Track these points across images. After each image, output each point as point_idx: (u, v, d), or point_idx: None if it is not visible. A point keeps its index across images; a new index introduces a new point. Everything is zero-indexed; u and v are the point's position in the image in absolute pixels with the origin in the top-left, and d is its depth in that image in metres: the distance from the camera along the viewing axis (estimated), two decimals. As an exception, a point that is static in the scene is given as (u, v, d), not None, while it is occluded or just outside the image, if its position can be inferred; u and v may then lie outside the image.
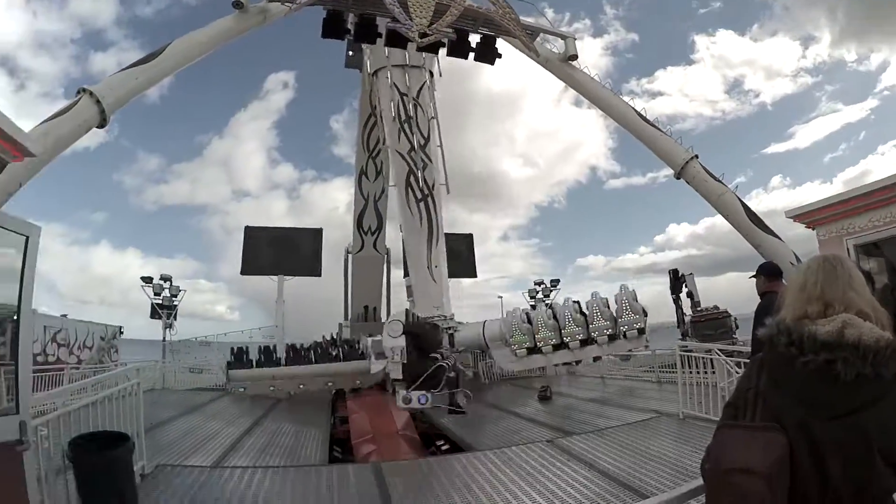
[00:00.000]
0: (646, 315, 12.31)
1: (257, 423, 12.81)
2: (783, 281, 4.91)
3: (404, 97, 16.21)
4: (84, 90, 11.33)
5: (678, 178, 15.73)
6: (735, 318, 18.06)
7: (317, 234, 29.19)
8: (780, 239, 13.95)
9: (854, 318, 1.65)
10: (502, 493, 6.22)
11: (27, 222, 4.18)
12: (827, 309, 1.72)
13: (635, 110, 16.78)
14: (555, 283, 32.12)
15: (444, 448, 13.08)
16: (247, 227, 28.82)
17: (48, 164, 10.52)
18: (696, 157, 15.47)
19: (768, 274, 5.11)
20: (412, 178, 15.24)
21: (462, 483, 6.72)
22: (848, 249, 7.79)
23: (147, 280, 24.96)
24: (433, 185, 15.36)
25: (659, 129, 16.31)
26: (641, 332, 12.21)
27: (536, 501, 5.83)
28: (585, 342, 12.48)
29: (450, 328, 13.81)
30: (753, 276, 5.18)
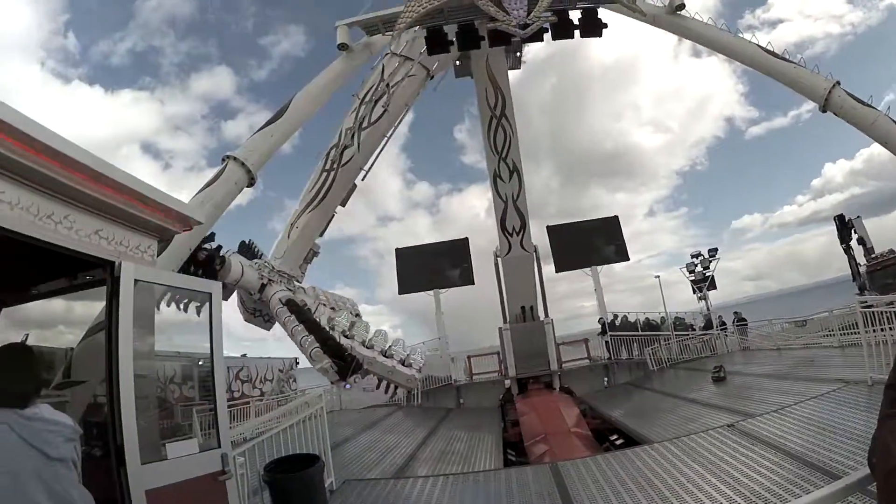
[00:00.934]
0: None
1: (432, 432, 13.31)
2: None
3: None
4: (228, 156, 12.69)
5: (824, 112, 14.45)
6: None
7: (463, 244, 29.81)
8: None
9: None
10: (685, 485, 5.87)
11: (208, 281, 4.74)
12: None
13: (760, 47, 15.50)
14: (713, 252, 29.86)
15: (618, 443, 12.68)
16: (397, 249, 30.23)
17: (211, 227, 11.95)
18: (838, 83, 14.16)
19: None
20: (332, 151, 16.54)
21: (643, 478, 6.43)
22: None
23: (312, 313, 27.01)
24: (344, 163, 16.26)
25: (791, 62, 15.04)
26: None
27: (722, 492, 5.43)
28: None
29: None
30: None
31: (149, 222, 4.14)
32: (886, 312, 8.37)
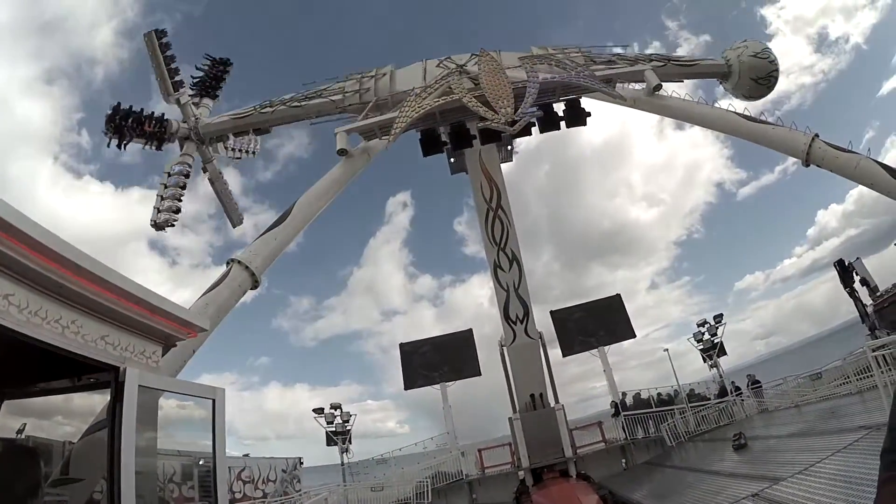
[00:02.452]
0: None
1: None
2: None
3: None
4: (232, 260, 13.05)
5: (807, 166, 14.76)
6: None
7: (467, 335, 29.69)
8: None
9: None
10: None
11: (212, 387, 4.84)
12: None
13: (738, 113, 16.09)
14: (718, 318, 29.65)
15: None
16: (401, 345, 30.06)
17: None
18: (817, 136, 14.53)
19: None
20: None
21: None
22: None
23: (318, 411, 26.37)
24: None
25: (768, 123, 15.57)
26: None
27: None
28: None
29: None
30: None
31: (154, 329, 4.33)
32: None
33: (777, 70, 17.96)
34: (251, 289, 13.33)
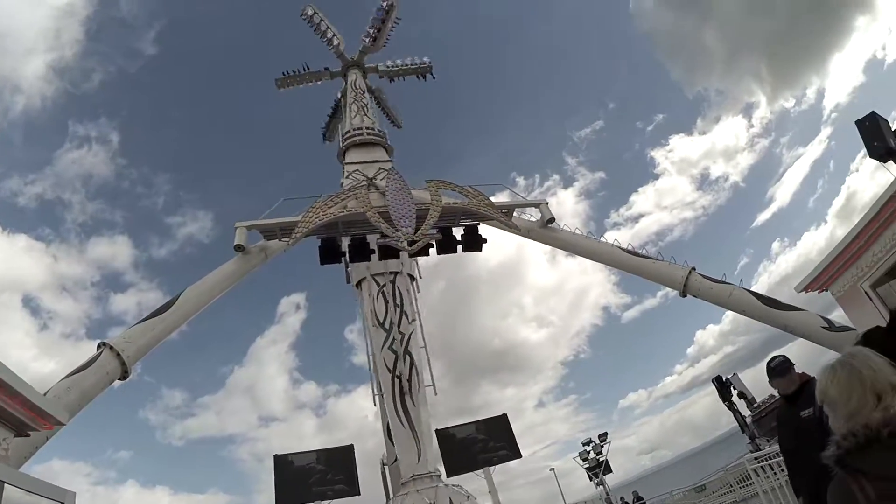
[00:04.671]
0: None
1: None
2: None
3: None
4: (104, 344, 12.14)
5: (684, 296, 15.70)
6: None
7: (348, 451, 28.35)
8: (802, 310, 13.42)
9: None
10: None
11: (62, 489, 4.50)
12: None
13: (621, 248, 17.26)
14: (603, 437, 30.45)
15: None
16: (276, 457, 27.96)
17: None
18: (693, 269, 15.55)
19: (789, 365, 4.81)
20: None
21: None
22: (866, 293, 8.02)
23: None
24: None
25: (649, 258, 16.65)
26: None
27: None
28: None
29: None
30: (778, 377, 4.82)
31: (7, 414, 4.03)
32: (774, 462, 8.90)
33: None
34: (120, 379, 12.39)
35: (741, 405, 21.06)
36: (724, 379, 21.87)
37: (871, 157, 9.32)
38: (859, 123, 9.53)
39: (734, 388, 21.33)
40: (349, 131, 22.73)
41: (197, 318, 15.26)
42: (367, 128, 22.86)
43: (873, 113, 9.47)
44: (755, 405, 20.10)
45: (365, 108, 24.37)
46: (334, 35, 26.28)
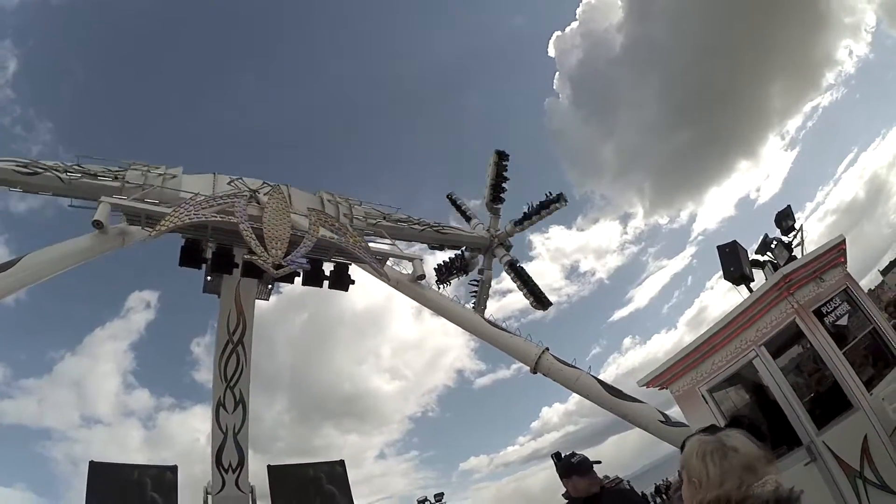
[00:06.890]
0: None
1: None
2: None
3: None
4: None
5: (534, 373, 16.20)
6: (629, 482, 17.95)
7: (171, 471, 26.24)
8: (642, 402, 14.23)
9: None
10: None
11: None
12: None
13: (483, 318, 17.92)
14: (439, 496, 30.24)
15: None
16: (91, 463, 25.28)
17: None
18: (547, 349, 16.12)
19: (591, 464, 4.74)
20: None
21: None
22: (703, 396, 8.78)
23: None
24: None
25: (507, 332, 17.16)
26: None
27: None
28: None
29: None
30: (578, 476, 4.72)
31: None
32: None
33: None
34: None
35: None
36: (562, 455, 22.61)
37: (725, 278, 10.51)
38: (721, 248, 10.76)
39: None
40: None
41: (36, 289, 13.91)
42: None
43: (735, 241, 10.71)
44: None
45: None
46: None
